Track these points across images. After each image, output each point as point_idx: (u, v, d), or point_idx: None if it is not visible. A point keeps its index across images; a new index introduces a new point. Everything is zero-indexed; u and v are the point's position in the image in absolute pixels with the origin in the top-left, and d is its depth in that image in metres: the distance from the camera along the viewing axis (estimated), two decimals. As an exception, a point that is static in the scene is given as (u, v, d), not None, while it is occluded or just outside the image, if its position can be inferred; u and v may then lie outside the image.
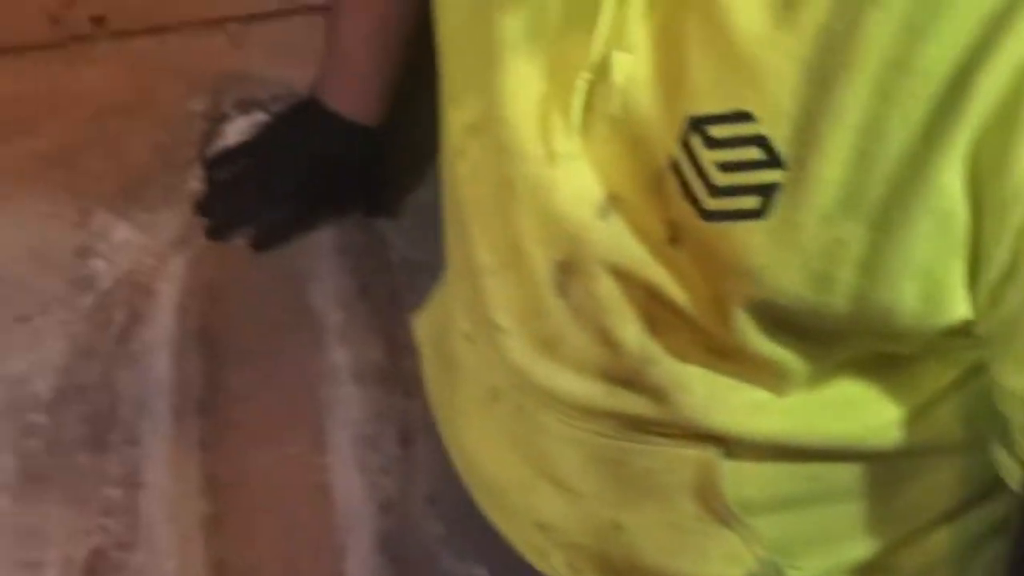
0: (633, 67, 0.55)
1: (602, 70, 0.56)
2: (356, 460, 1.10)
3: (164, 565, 1.02)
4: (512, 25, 0.60)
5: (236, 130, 1.01)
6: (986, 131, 0.47)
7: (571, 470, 0.69)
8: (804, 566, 0.68)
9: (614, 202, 0.57)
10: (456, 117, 0.68)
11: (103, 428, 1.02)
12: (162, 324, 1.03)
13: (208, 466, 1.05)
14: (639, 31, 0.54)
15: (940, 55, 0.46)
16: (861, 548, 0.69)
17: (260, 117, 1.01)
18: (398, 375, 1.11)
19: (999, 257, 0.49)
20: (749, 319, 0.56)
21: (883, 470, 0.66)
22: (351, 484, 1.10)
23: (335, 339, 1.09)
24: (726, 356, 0.60)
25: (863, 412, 0.62)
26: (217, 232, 1.03)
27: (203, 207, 1.02)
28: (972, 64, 0.45)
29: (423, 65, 1.00)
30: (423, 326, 0.88)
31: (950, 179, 0.48)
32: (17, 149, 0.95)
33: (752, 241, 0.52)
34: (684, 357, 0.61)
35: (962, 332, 0.53)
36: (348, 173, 1.03)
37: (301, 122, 1.00)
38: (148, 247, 1.01)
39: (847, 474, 0.66)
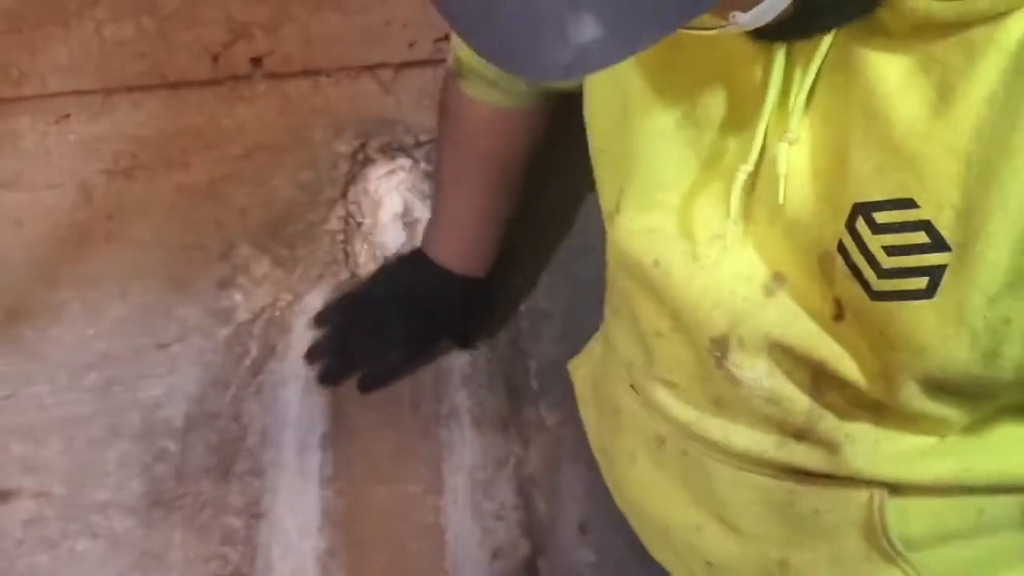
0: (796, 157, 0.59)
1: (763, 160, 0.60)
2: (471, 504, 1.10)
3: (277, 598, 1.03)
4: (664, 118, 0.63)
5: (378, 175, 1.03)
6: None
7: (740, 511, 0.72)
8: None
9: (779, 281, 0.62)
10: (605, 199, 0.71)
11: (229, 457, 1.03)
12: (293, 358, 1.05)
13: (326, 501, 1.06)
14: (801, 124, 0.58)
15: None
16: None
17: (403, 162, 1.02)
18: (517, 422, 1.11)
19: None
20: (916, 388, 0.59)
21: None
22: (464, 528, 1.11)
23: (457, 383, 1.09)
24: (890, 414, 0.63)
25: (1001, 450, 0.65)
26: (327, 379, 1.05)
27: (314, 354, 1.05)
28: None
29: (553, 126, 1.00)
30: (580, 372, 0.90)
31: None
32: (169, 182, 0.97)
33: (921, 320, 0.56)
34: (849, 416, 0.64)
35: None
36: (452, 319, 1.06)
37: (410, 273, 1.03)
38: (286, 282, 1.02)
39: (1010, 506, 0.68)
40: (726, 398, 0.68)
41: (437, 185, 1.02)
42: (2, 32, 0.91)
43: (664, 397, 0.72)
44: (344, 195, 1.03)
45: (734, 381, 0.66)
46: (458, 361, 1.08)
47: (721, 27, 0.52)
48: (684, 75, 0.63)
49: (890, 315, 0.57)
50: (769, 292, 0.62)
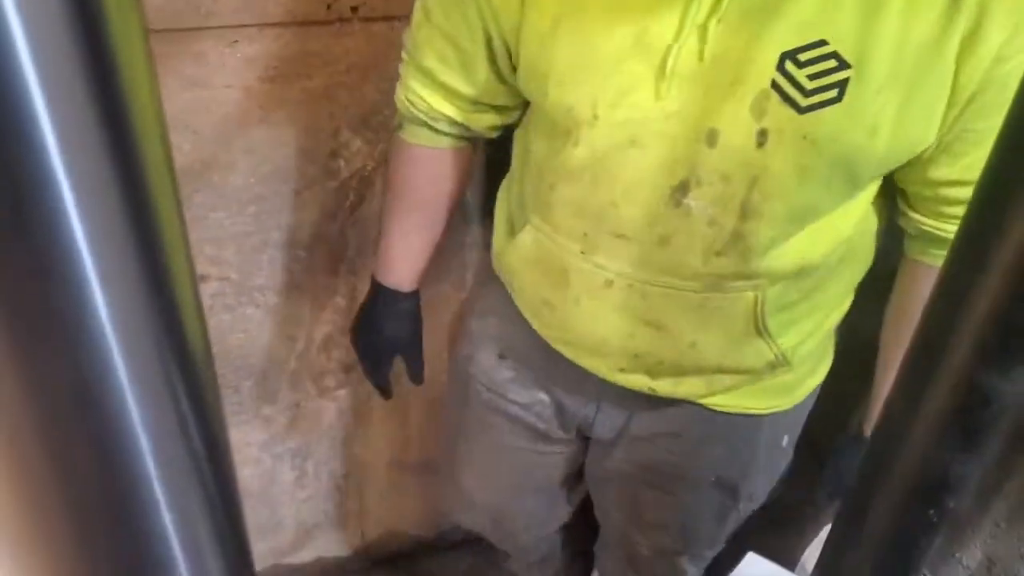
0: (726, 38, 0.63)
1: (706, 41, 0.63)
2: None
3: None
4: (623, 44, 0.66)
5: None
6: (971, 22, 0.59)
7: (666, 316, 0.76)
8: (791, 333, 0.80)
9: (715, 133, 0.66)
10: (577, 114, 0.70)
11: (337, 262, 1.18)
12: (375, 203, 1.13)
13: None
14: (726, 9, 0.63)
15: None
16: (813, 322, 0.82)
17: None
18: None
19: (968, 89, 0.62)
20: (820, 174, 0.65)
21: (826, 275, 0.78)
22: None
23: (476, 219, 1.21)
24: (784, 221, 0.69)
25: (827, 238, 0.73)
26: (384, 391, 1.06)
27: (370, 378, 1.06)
28: None
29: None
30: (508, 258, 0.87)
31: (951, 52, 0.60)
32: (299, 87, 1.00)
33: (834, 118, 0.63)
34: (757, 233, 0.69)
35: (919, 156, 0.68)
36: (415, 327, 1.04)
37: (373, 297, 1.02)
38: (371, 154, 1.10)
39: (814, 280, 0.78)
40: (673, 231, 0.70)
41: (386, 231, 0.97)
42: (197, -15, 0.90)
43: (617, 248, 0.73)
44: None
45: (686, 214, 0.69)
46: (473, 205, 1.19)
47: None
48: (631, 11, 0.65)
49: (813, 121, 0.63)
50: (711, 142, 0.66)
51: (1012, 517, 0.83)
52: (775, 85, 0.62)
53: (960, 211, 0.66)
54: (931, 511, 0.48)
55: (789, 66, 0.61)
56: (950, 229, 0.74)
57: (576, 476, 1.08)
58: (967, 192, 0.68)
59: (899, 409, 0.47)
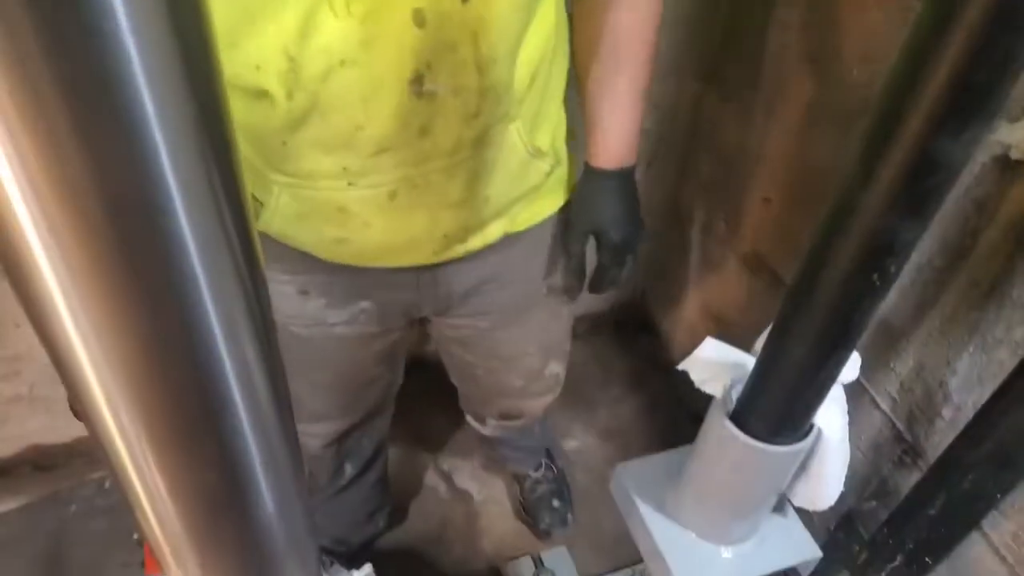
0: None
1: None
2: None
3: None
4: None
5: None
6: None
7: (457, 191, 0.76)
8: (545, 132, 0.82)
9: (420, 12, 0.62)
10: (263, 57, 0.63)
11: None
12: None
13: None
14: None
15: None
16: (554, 108, 0.83)
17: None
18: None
19: None
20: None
21: (549, 62, 0.78)
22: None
23: None
24: (521, 37, 0.71)
25: (540, 33, 0.74)
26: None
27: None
28: None
29: None
30: (276, 224, 0.80)
31: None
32: None
33: None
34: (496, 78, 0.70)
35: None
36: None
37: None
38: None
39: (543, 76, 0.78)
40: (428, 119, 0.68)
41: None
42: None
43: (383, 162, 0.70)
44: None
45: (431, 99, 0.67)
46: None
47: None
48: None
49: None
50: (420, 22, 0.62)
51: (944, 328, 0.91)
52: None
53: None
54: (875, 275, 0.52)
55: None
56: None
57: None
58: None
59: (854, 181, 0.50)
